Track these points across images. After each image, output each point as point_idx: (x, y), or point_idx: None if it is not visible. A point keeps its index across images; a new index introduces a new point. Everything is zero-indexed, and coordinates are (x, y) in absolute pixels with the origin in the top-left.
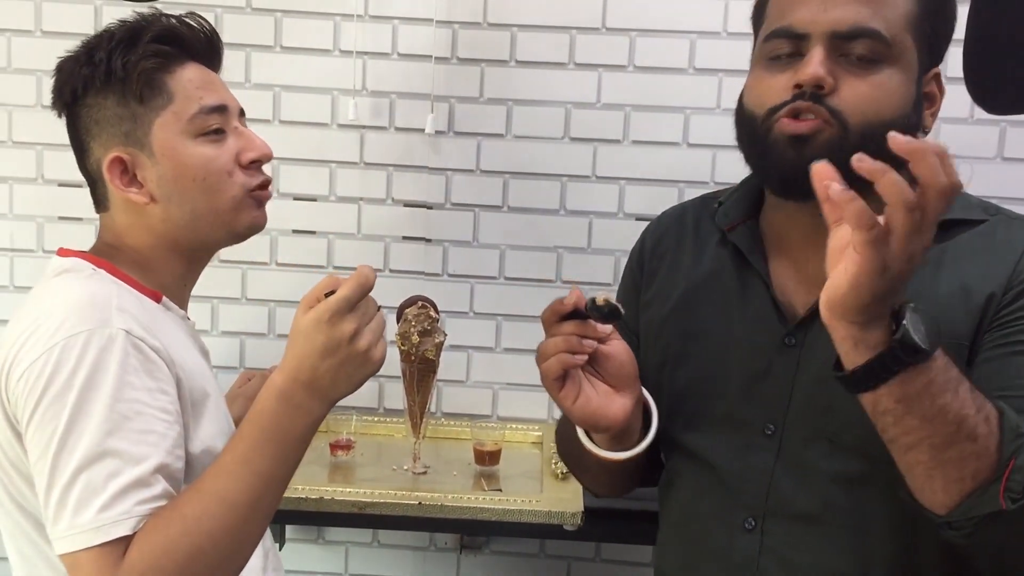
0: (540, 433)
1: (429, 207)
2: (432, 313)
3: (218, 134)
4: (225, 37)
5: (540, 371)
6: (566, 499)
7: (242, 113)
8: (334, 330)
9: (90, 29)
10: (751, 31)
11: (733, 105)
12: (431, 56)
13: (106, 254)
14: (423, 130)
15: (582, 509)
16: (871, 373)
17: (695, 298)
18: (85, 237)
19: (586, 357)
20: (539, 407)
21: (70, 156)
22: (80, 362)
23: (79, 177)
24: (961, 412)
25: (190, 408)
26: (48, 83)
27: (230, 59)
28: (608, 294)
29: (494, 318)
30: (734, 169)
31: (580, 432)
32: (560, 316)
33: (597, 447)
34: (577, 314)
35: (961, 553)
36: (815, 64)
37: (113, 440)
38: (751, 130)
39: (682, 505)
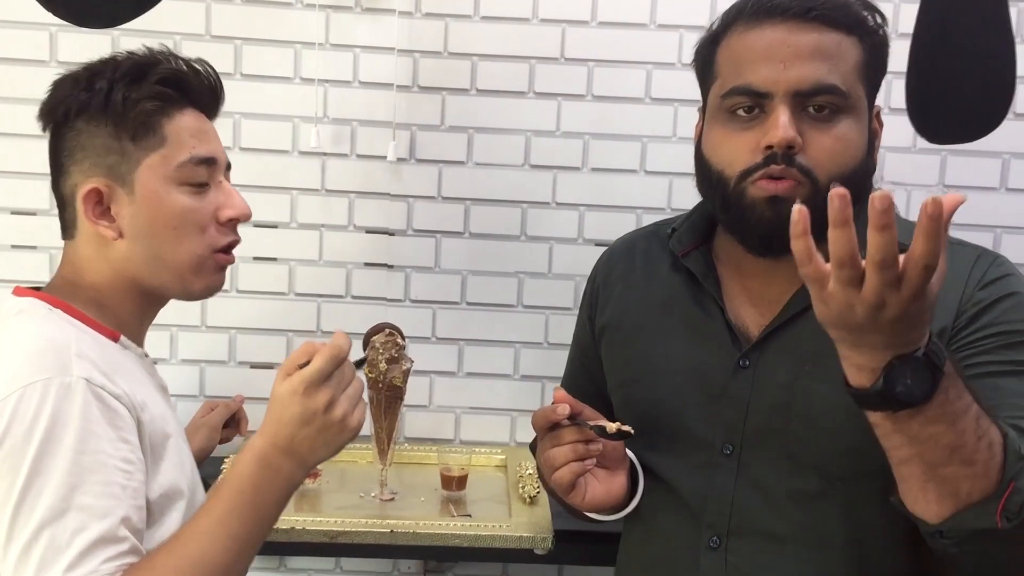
0: (503, 456)
1: (391, 233)
2: (399, 340)
3: (201, 186)
4: None
5: (552, 479)
6: (536, 523)
7: (228, 167)
8: (309, 401)
9: (44, 56)
10: None
11: (688, 134)
12: (392, 84)
13: (63, 291)
14: (385, 157)
15: (552, 533)
16: (858, 400)
17: (651, 322)
18: (39, 266)
19: (594, 461)
20: (501, 430)
21: (23, 183)
22: (39, 412)
23: (33, 205)
24: (956, 441)
25: (150, 452)
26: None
27: None
28: (617, 423)
29: (456, 343)
30: (690, 196)
31: None
32: (552, 423)
33: (600, 514)
34: (570, 417)
35: (946, 561)
36: (784, 126)
37: (78, 494)
38: (723, 193)
39: (645, 523)
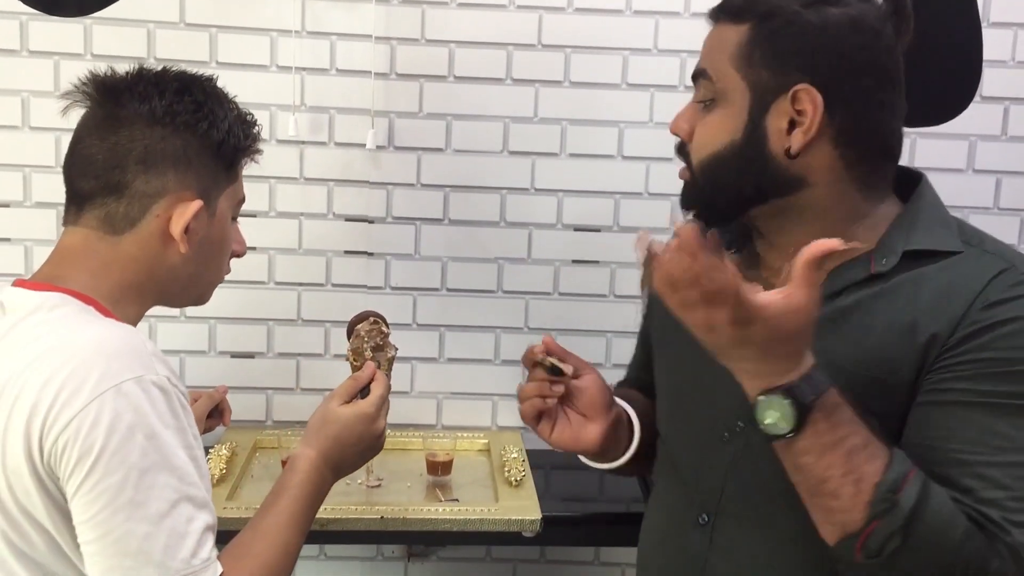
0: (486, 440)
1: (370, 221)
2: (383, 328)
3: (234, 221)
4: (159, 53)
5: (520, 411)
6: (523, 506)
7: None
8: (373, 425)
9: (15, 45)
10: (680, 48)
11: (664, 119)
12: (370, 72)
13: (85, 285)
14: (364, 145)
15: (540, 516)
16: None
17: None
18: (14, 259)
19: (555, 400)
20: (483, 415)
21: None
22: (139, 411)
23: (6, 197)
24: (824, 473)
25: None
26: None
27: None
28: (554, 359)
29: (437, 329)
30: (667, 181)
31: None
32: (533, 362)
33: (587, 459)
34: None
35: None
36: (674, 117)
37: (185, 487)
38: None
39: (657, 497)
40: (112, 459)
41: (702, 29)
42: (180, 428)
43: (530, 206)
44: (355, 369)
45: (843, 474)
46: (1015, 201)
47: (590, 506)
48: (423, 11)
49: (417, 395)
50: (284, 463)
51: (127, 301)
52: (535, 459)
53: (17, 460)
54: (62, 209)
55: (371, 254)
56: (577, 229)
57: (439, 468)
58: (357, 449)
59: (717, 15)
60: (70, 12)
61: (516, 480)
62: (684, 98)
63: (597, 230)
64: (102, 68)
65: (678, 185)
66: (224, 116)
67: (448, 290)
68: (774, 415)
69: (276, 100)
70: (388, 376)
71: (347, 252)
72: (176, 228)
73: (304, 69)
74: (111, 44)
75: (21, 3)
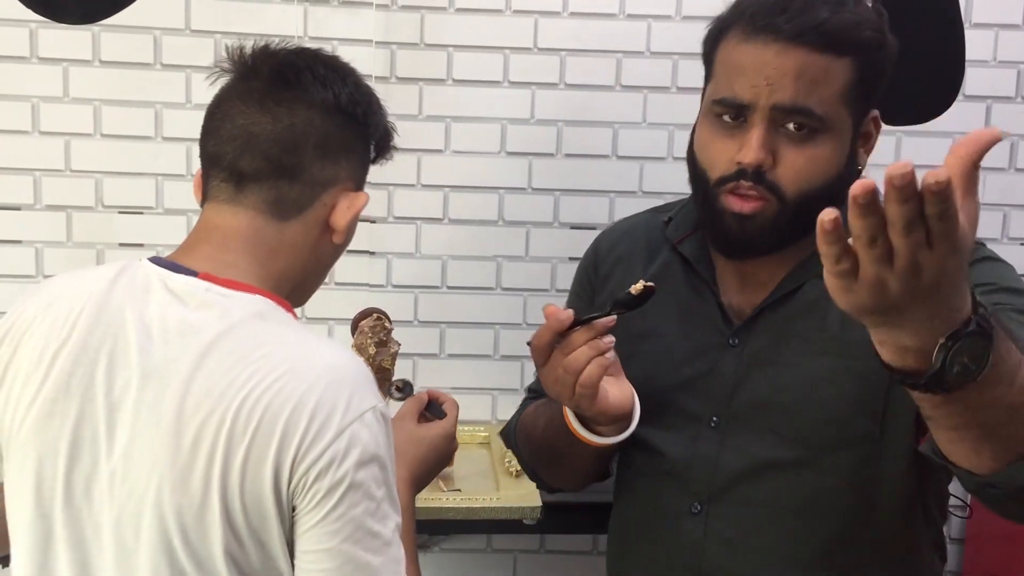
0: (486, 433)
1: (372, 221)
2: (386, 324)
3: None
4: (165, 59)
5: (579, 385)
6: (524, 495)
7: None
8: (453, 443)
9: (25, 52)
10: (672, 51)
11: (658, 120)
12: (371, 75)
13: (263, 280)
14: None
15: (541, 503)
16: (906, 383)
17: (648, 305)
18: (24, 261)
19: (613, 354)
20: (483, 409)
21: (8, 179)
22: (378, 442)
23: (17, 200)
24: (1017, 399)
25: None
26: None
27: (170, 81)
28: (640, 281)
29: (438, 326)
30: (660, 180)
31: (574, 421)
32: (558, 333)
33: (591, 435)
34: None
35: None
36: (755, 147)
37: (397, 516)
38: (703, 189)
39: (636, 493)
40: (358, 491)
41: (693, 31)
42: (393, 458)
43: (527, 205)
44: None
45: None
46: (997, 197)
47: (588, 495)
48: (422, 16)
49: (419, 390)
50: None
51: (283, 294)
52: None
53: (261, 486)
54: (71, 212)
55: (373, 253)
56: (574, 227)
57: None
58: (439, 466)
59: (811, 44)
60: (76, 19)
61: (516, 471)
62: (676, 99)
63: (593, 228)
64: (248, 43)
65: (671, 183)
66: (383, 112)
67: (448, 288)
68: (963, 361)
69: None
70: (391, 370)
71: (349, 251)
72: (343, 219)
73: None
74: (118, 50)
75: (31, 11)
